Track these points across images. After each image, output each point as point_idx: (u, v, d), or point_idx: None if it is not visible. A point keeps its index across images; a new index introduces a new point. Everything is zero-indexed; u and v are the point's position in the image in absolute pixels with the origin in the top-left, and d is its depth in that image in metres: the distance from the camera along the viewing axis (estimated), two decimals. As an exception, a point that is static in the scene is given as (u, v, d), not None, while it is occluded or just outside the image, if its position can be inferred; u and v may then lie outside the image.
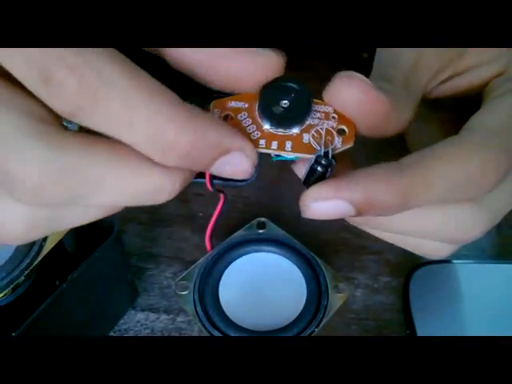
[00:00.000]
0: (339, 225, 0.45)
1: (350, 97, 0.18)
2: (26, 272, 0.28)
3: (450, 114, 0.24)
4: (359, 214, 0.18)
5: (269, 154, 0.18)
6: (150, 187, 0.16)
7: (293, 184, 0.22)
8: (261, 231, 0.38)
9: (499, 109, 0.20)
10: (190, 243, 0.43)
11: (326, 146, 0.18)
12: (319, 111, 0.18)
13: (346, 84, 0.18)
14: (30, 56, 0.14)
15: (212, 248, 0.37)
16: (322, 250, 0.41)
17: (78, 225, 0.18)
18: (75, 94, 0.14)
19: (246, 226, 0.39)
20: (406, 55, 0.20)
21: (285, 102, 0.18)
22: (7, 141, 0.14)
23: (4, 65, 0.14)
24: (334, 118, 0.18)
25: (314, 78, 0.66)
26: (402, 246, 0.22)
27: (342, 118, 0.18)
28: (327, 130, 0.18)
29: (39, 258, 0.28)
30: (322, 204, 0.18)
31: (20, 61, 0.14)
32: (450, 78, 0.22)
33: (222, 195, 0.26)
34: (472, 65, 0.22)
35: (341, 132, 0.18)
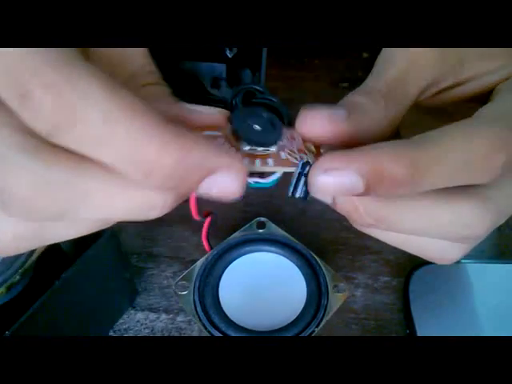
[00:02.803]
0: (339, 225, 0.46)
1: (310, 132, 0.18)
2: (20, 271, 0.28)
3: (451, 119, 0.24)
4: (367, 190, 0.17)
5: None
6: (141, 203, 0.16)
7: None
8: (261, 231, 0.38)
9: (506, 100, 0.20)
10: (189, 243, 0.43)
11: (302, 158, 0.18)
12: (288, 133, 0.19)
13: (305, 120, 0.18)
14: (6, 69, 0.13)
15: (211, 248, 0.37)
16: (322, 249, 0.41)
17: (67, 238, 0.18)
18: (52, 112, 0.13)
19: (246, 225, 0.39)
20: (395, 65, 0.20)
21: (256, 126, 0.18)
22: None
23: None
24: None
25: (314, 77, 0.66)
26: (409, 250, 0.22)
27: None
28: (299, 149, 0.19)
29: (33, 258, 0.28)
30: (331, 177, 0.17)
31: None
32: (452, 87, 0.22)
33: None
34: (475, 74, 0.22)
35: (311, 150, 0.19)
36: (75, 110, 0.13)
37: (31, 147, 0.14)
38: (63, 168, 0.14)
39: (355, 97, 0.19)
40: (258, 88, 0.20)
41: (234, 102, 0.21)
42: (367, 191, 0.17)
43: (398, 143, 0.17)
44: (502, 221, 0.20)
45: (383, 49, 0.21)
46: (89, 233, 0.18)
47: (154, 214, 0.16)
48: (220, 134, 0.18)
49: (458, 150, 0.17)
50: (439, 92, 0.22)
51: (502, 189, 0.19)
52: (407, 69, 0.20)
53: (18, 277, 0.28)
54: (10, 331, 0.26)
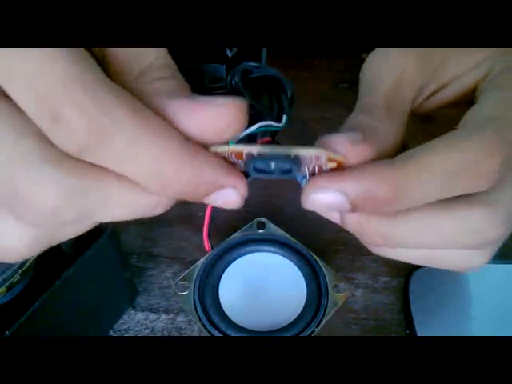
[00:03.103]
0: (339, 225, 0.45)
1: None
2: (20, 271, 0.28)
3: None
4: (354, 207, 0.18)
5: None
6: (149, 203, 0.17)
7: (293, 184, 0.22)
8: (261, 231, 0.38)
9: (491, 100, 0.20)
10: (189, 243, 0.43)
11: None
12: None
13: (328, 146, 0.18)
14: (39, 92, 0.14)
15: (211, 248, 0.37)
16: (322, 249, 0.41)
17: (74, 235, 0.19)
18: (83, 135, 0.14)
19: (246, 225, 0.39)
20: (386, 78, 0.20)
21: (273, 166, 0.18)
22: (20, 165, 0.15)
23: (14, 99, 0.14)
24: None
25: (314, 77, 0.66)
26: (433, 265, 0.22)
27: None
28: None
29: (33, 258, 0.28)
30: (319, 195, 0.18)
31: (29, 98, 0.14)
32: (437, 91, 0.22)
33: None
34: (455, 74, 0.22)
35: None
36: (105, 132, 0.14)
37: (54, 157, 0.15)
38: (85, 176, 0.15)
39: (360, 118, 0.19)
40: (254, 64, 0.20)
41: (233, 83, 0.21)
42: (355, 209, 0.18)
43: (380, 163, 0.18)
44: None
45: (364, 67, 0.22)
46: (90, 228, 0.19)
47: (157, 211, 0.18)
48: (240, 160, 0.18)
49: (443, 162, 0.17)
50: (425, 99, 0.22)
51: (506, 189, 0.19)
52: (399, 79, 0.20)
53: (18, 277, 0.28)
54: (10, 331, 0.26)
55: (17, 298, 0.29)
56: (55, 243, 0.18)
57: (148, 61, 0.17)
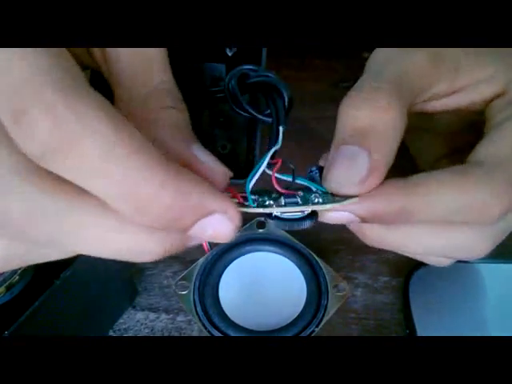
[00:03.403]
0: (339, 225, 0.45)
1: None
2: (20, 271, 0.28)
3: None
4: (363, 220, 0.19)
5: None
6: (133, 246, 0.15)
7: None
8: (261, 231, 0.38)
9: (504, 138, 0.20)
10: (189, 243, 0.43)
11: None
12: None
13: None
14: (3, 88, 0.12)
15: (210, 248, 0.37)
16: (322, 249, 0.41)
17: (54, 259, 0.17)
18: (47, 136, 0.12)
19: (246, 225, 0.39)
20: (398, 64, 0.20)
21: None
22: None
23: None
24: None
25: (314, 77, 0.66)
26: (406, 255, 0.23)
27: None
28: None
29: None
30: (335, 214, 0.19)
31: None
32: (445, 95, 0.22)
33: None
34: (468, 82, 0.22)
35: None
36: (74, 137, 0.13)
37: (25, 170, 0.14)
38: (57, 197, 0.14)
39: (373, 82, 0.19)
40: (251, 67, 0.20)
41: (230, 87, 0.20)
42: (363, 221, 0.19)
43: (390, 186, 0.19)
44: (498, 242, 0.21)
45: (377, 51, 0.21)
46: (74, 255, 0.17)
47: (144, 258, 0.16)
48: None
49: (448, 202, 0.18)
50: (431, 99, 0.22)
51: (501, 219, 0.20)
52: (410, 67, 0.20)
53: (17, 277, 0.28)
54: (10, 331, 0.26)
55: (16, 297, 0.29)
56: (30, 263, 0.17)
57: (153, 83, 0.17)
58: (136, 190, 0.13)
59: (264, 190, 0.19)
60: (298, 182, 0.19)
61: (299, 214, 0.19)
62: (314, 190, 0.19)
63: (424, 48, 0.20)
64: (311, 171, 0.20)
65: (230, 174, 0.18)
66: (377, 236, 0.21)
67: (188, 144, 0.17)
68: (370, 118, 0.18)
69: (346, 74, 0.57)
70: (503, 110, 0.21)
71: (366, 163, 0.18)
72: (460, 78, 0.21)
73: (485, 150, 0.20)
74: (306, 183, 0.19)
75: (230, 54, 0.37)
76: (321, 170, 0.20)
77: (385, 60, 0.20)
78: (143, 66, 0.18)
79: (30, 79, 0.12)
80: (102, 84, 0.20)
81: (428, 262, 0.23)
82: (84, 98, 0.13)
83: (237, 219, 0.16)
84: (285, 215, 0.19)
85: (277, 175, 0.19)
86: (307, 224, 0.19)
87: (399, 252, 0.22)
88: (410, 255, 0.23)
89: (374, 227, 0.21)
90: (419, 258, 0.23)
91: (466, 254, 0.21)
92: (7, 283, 0.27)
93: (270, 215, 0.19)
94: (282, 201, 0.19)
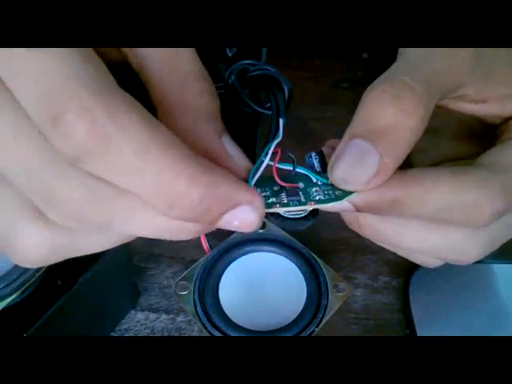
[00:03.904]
0: (339, 225, 0.45)
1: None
2: (38, 275, 0.28)
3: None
4: (357, 210, 0.19)
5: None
6: (175, 227, 0.16)
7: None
8: (261, 231, 0.38)
9: (507, 150, 0.20)
10: (189, 243, 0.43)
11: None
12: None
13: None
14: (41, 90, 0.13)
15: (210, 248, 0.37)
16: (322, 249, 0.41)
17: (93, 251, 0.18)
18: (84, 138, 0.13)
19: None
20: (442, 56, 0.20)
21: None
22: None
23: (14, 94, 0.13)
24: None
25: (314, 77, 0.66)
26: (398, 252, 0.23)
27: None
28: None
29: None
30: (331, 204, 0.19)
31: (31, 96, 0.13)
32: (473, 100, 0.22)
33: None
34: (495, 94, 0.22)
35: None
36: (109, 139, 0.13)
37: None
38: (108, 184, 0.15)
39: (406, 78, 0.18)
40: (251, 62, 0.20)
41: (229, 82, 0.21)
42: (358, 210, 0.19)
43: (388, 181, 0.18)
44: (493, 249, 0.21)
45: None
46: (112, 246, 0.18)
47: (184, 237, 0.17)
48: None
49: (441, 200, 0.18)
50: (458, 99, 0.22)
51: (495, 222, 0.20)
52: (442, 65, 0.20)
53: (31, 279, 0.28)
54: (28, 333, 0.27)
55: (26, 299, 0.29)
56: (75, 255, 0.18)
57: (185, 70, 0.17)
58: (168, 187, 0.14)
59: (264, 179, 0.19)
60: (298, 171, 0.19)
61: (301, 213, 0.19)
62: (314, 180, 0.19)
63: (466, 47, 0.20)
64: (310, 156, 0.20)
65: (251, 166, 0.19)
66: (370, 227, 0.21)
67: (220, 135, 0.18)
68: (392, 119, 0.18)
69: (346, 73, 0.57)
70: None
71: (375, 164, 0.18)
72: (489, 87, 0.21)
73: (489, 157, 0.20)
74: (306, 172, 0.20)
75: (230, 55, 0.37)
76: (321, 154, 0.20)
77: (424, 53, 0.20)
78: (171, 55, 0.17)
79: (66, 83, 0.13)
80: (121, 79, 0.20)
81: (416, 262, 0.23)
82: (116, 100, 0.13)
83: (262, 209, 0.16)
84: (287, 214, 0.19)
85: (278, 165, 0.19)
86: (309, 224, 0.19)
87: (391, 249, 0.22)
88: (401, 253, 0.23)
89: (368, 217, 0.21)
90: (409, 256, 0.23)
91: (457, 257, 0.21)
92: (25, 286, 0.28)
93: (273, 214, 0.19)
94: (284, 197, 0.19)
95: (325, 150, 0.20)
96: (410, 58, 0.20)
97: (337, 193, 0.19)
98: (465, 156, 0.23)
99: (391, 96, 0.18)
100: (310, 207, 0.19)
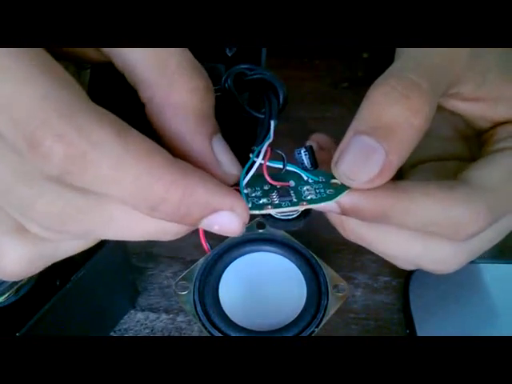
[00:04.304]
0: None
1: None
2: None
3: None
4: (343, 212, 0.19)
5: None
6: (156, 229, 0.17)
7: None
8: (261, 231, 0.38)
9: (495, 168, 0.20)
10: (189, 243, 0.43)
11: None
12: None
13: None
14: (15, 117, 0.13)
15: (210, 248, 0.37)
16: (322, 249, 0.41)
17: (75, 253, 0.19)
18: (63, 161, 0.14)
19: (246, 225, 0.39)
20: (444, 51, 0.20)
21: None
22: None
23: None
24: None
25: (314, 77, 0.66)
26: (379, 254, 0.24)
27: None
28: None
29: None
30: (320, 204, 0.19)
31: (4, 122, 0.13)
32: (467, 99, 0.22)
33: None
34: (490, 95, 0.22)
35: None
36: (86, 157, 0.14)
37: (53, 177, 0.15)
38: (86, 196, 0.15)
39: (410, 75, 0.18)
40: (248, 66, 0.20)
41: (226, 86, 0.21)
42: (343, 213, 0.19)
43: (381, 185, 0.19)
44: (472, 259, 0.22)
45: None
46: (89, 247, 0.19)
47: (167, 238, 0.17)
48: None
49: (427, 213, 0.19)
50: (453, 96, 0.22)
51: (476, 239, 0.20)
52: (442, 60, 0.20)
53: (26, 278, 0.28)
54: (21, 332, 0.27)
55: (22, 298, 0.29)
56: (58, 260, 0.19)
57: (173, 64, 0.16)
58: (148, 192, 0.15)
59: (254, 177, 0.18)
60: (288, 168, 0.19)
61: (293, 214, 0.19)
62: (305, 178, 0.19)
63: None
64: (299, 153, 0.20)
65: (240, 173, 0.18)
66: (353, 231, 0.21)
67: (209, 138, 0.17)
68: (399, 117, 0.17)
69: (346, 73, 0.57)
70: (502, 140, 0.22)
71: (380, 162, 0.17)
72: (483, 87, 0.21)
73: (477, 172, 0.20)
74: (297, 170, 0.19)
75: (229, 55, 0.37)
76: (311, 150, 0.20)
77: (427, 51, 0.19)
78: (156, 52, 0.17)
79: (36, 109, 0.13)
80: (103, 81, 0.19)
81: (395, 264, 0.24)
82: (88, 118, 0.14)
83: (244, 215, 0.17)
84: (279, 215, 0.19)
85: (268, 163, 0.19)
86: (301, 224, 0.19)
87: (373, 250, 0.23)
88: (384, 256, 0.23)
89: (352, 222, 0.21)
90: (390, 260, 0.24)
91: (437, 267, 0.22)
92: (18, 285, 0.28)
93: (264, 215, 0.19)
94: (276, 198, 0.19)
95: (310, 142, 0.20)
96: (412, 53, 0.20)
97: (328, 191, 0.19)
98: (450, 157, 0.24)
99: (399, 93, 0.18)
100: (301, 208, 0.19)
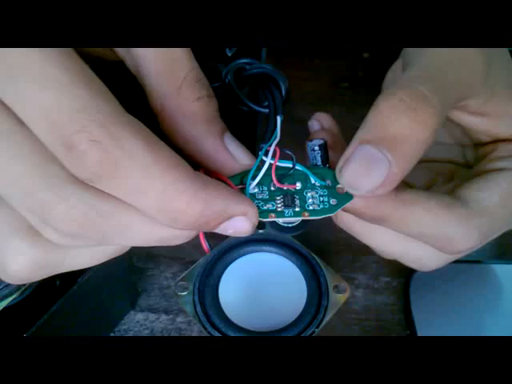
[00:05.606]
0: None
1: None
2: None
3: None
4: (342, 210, 0.20)
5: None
6: (169, 235, 0.17)
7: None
8: (261, 231, 0.38)
9: (495, 191, 0.21)
10: (189, 243, 0.43)
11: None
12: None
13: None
14: (56, 122, 0.14)
15: (210, 248, 0.37)
16: (323, 249, 0.41)
17: (82, 267, 0.19)
18: (96, 165, 0.14)
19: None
20: (457, 64, 0.20)
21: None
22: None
23: (29, 126, 0.14)
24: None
25: (314, 77, 0.66)
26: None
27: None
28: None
29: None
30: None
31: (44, 126, 0.14)
32: (472, 113, 0.22)
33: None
34: (496, 110, 0.22)
35: None
36: (117, 164, 0.14)
37: (76, 180, 0.15)
38: (106, 200, 0.16)
39: (425, 86, 0.18)
40: (248, 61, 0.20)
41: (226, 81, 0.21)
42: (342, 210, 0.20)
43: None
44: (452, 260, 0.23)
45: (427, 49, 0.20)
46: (104, 260, 0.19)
47: (177, 242, 0.18)
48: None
49: (424, 227, 0.20)
50: (459, 108, 0.22)
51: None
52: (463, 76, 0.20)
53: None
54: (28, 333, 0.27)
55: (25, 299, 0.29)
56: (62, 271, 0.19)
57: (183, 74, 0.17)
58: (170, 204, 0.15)
59: (262, 177, 0.19)
60: (297, 168, 0.20)
61: (294, 223, 0.20)
62: (313, 181, 0.20)
63: (479, 52, 0.20)
64: (313, 150, 0.20)
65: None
66: (346, 221, 0.23)
67: (220, 136, 0.18)
68: (406, 129, 0.17)
69: (346, 73, 0.57)
70: (501, 159, 0.22)
71: (383, 173, 0.18)
72: (491, 102, 0.21)
73: (477, 194, 0.21)
74: (305, 171, 0.20)
75: (229, 55, 0.37)
76: (324, 146, 0.20)
77: (437, 60, 0.19)
78: (167, 59, 0.17)
79: (77, 117, 0.14)
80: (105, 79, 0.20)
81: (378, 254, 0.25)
82: (123, 126, 0.14)
83: (255, 219, 0.18)
84: (281, 222, 0.20)
85: (278, 163, 0.19)
86: (301, 231, 0.20)
87: (359, 239, 0.24)
88: (368, 245, 0.24)
89: (345, 215, 0.22)
90: (372, 248, 0.25)
91: (417, 266, 0.23)
92: (25, 286, 0.28)
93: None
94: (280, 205, 0.19)
95: (312, 122, 0.21)
96: (423, 64, 0.19)
97: (331, 201, 0.19)
98: (445, 161, 0.25)
99: (407, 106, 0.17)
100: (303, 218, 0.19)
